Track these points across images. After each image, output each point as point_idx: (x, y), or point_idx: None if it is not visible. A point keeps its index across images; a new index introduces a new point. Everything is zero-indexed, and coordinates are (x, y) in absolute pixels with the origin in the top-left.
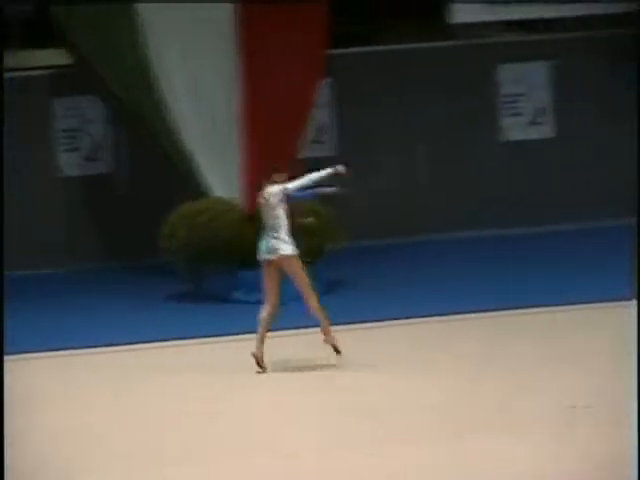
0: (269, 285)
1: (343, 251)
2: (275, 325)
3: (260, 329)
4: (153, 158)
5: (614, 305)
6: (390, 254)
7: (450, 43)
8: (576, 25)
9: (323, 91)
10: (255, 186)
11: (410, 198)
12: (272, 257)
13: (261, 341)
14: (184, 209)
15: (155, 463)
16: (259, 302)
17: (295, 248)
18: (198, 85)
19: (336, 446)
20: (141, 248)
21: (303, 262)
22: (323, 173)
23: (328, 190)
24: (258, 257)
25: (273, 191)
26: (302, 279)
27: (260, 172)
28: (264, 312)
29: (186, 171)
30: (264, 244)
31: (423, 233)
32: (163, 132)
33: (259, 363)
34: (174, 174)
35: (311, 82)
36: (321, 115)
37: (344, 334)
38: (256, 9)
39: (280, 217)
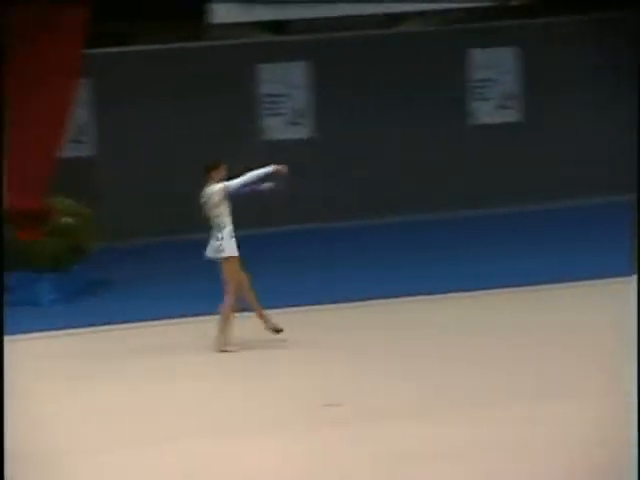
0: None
1: (105, 251)
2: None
3: (221, 321)
4: None
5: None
6: (159, 253)
7: (210, 43)
8: (335, 25)
9: (82, 91)
10: (17, 188)
11: (175, 198)
12: (216, 257)
13: (222, 331)
14: None
15: None
16: (27, 303)
17: (235, 249)
18: None
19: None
20: None
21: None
22: (262, 172)
23: (265, 187)
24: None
25: (214, 190)
26: (231, 284)
27: (22, 175)
28: (224, 306)
29: None
30: (210, 245)
31: (189, 233)
32: None
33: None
34: None
35: (70, 82)
36: (81, 115)
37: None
38: (12, 11)
39: (222, 215)
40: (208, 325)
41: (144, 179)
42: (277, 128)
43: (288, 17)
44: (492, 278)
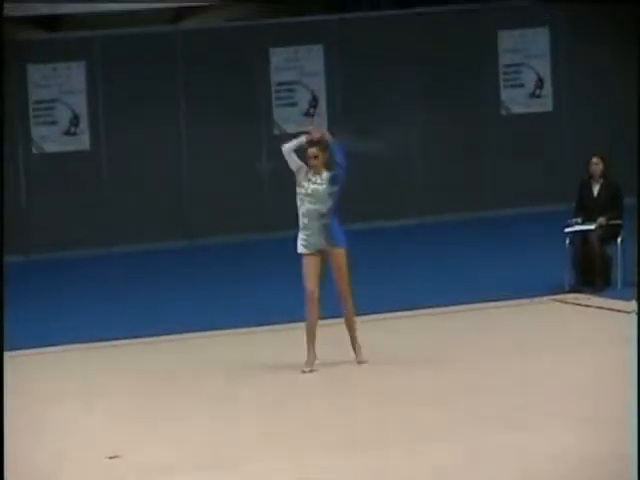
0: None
1: None
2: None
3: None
4: None
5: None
6: None
7: None
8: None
9: None
10: None
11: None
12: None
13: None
14: None
15: None
16: None
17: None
18: None
19: None
20: None
21: None
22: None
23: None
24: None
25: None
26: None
27: None
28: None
29: None
30: (313, 236)
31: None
32: None
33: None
34: None
35: None
36: None
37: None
38: None
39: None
40: None
41: None
42: (50, 138)
43: (64, 12)
44: None
